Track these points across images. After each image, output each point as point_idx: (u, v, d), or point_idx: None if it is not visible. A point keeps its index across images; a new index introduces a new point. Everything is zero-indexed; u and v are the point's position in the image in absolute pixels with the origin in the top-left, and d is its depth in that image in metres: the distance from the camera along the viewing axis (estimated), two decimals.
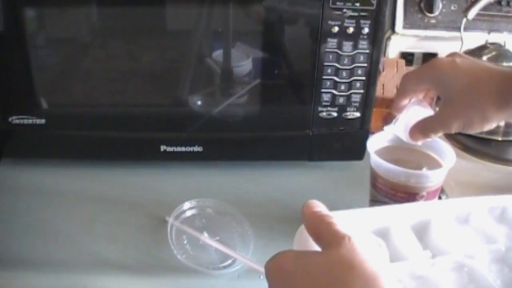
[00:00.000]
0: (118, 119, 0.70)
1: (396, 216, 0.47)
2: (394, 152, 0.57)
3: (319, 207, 0.38)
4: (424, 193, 0.53)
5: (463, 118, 0.49)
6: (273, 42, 0.66)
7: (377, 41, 0.64)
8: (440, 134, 0.53)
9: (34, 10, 0.63)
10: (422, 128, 0.53)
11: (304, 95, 0.68)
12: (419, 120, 0.53)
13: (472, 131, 0.50)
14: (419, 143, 0.54)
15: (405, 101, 0.55)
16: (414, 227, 0.47)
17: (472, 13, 0.83)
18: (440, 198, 0.66)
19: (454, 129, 0.50)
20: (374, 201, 0.56)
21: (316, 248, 0.36)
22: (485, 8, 0.84)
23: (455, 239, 0.46)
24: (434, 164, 0.56)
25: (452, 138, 0.83)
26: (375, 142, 0.57)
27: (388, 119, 0.62)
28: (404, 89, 0.55)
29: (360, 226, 0.42)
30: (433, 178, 0.54)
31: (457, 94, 0.49)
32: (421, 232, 0.46)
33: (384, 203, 0.54)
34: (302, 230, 0.39)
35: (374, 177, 0.55)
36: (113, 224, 0.62)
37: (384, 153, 0.56)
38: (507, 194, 0.51)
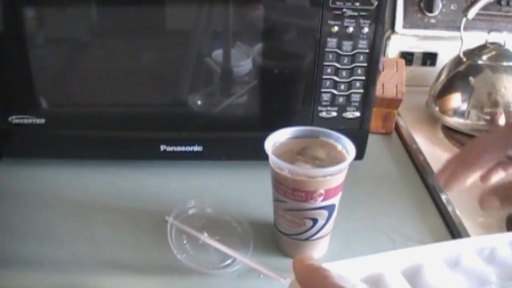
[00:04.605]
0: (118, 119, 0.70)
1: (387, 263, 0.47)
2: (299, 148, 0.56)
3: (311, 259, 0.38)
4: (322, 191, 0.52)
5: None
6: (273, 42, 0.66)
7: (377, 41, 0.64)
8: None
9: (34, 10, 0.63)
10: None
11: (304, 95, 0.68)
12: (499, 184, 0.43)
13: None
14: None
15: (474, 175, 0.46)
16: (406, 273, 0.46)
17: (472, 13, 0.83)
18: (434, 189, 0.66)
19: None
20: (277, 201, 0.55)
21: None
22: (485, 8, 0.84)
23: (447, 283, 0.45)
24: (341, 159, 0.54)
25: (452, 137, 0.83)
26: (275, 141, 0.56)
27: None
28: (477, 158, 0.45)
29: (353, 276, 0.42)
30: (328, 175, 0.52)
31: None
32: (413, 278, 0.46)
33: (283, 202, 0.54)
34: (295, 284, 0.38)
35: (273, 177, 0.55)
36: (113, 224, 0.62)
37: (289, 150, 0.55)
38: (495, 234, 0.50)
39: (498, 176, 0.46)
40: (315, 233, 0.55)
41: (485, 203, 0.43)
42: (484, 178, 0.47)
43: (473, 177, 0.46)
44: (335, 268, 0.38)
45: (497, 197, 0.42)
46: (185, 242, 0.58)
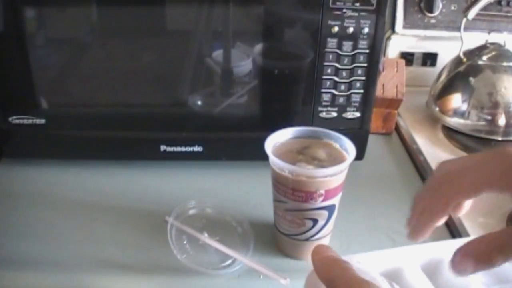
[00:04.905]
0: (118, 119, 0.70)
1: (407, 257, 0.46)
2: (300, 148, 0.56)
3: (330, 251, 0.36)
4: (322, 191, 0.52)
5: None
6: (273, 42, 0.66)
7: (377, 41, 0.64)
8: None
9: (34, 10, 0.63)
10: (487, 251, 0.34)
11: (304, 95, 0.68)
12: (475, 241, 0.35)
13: None
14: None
15: (443, 218, 0.39)
16: (426, 268, 0.46)
17: (472, 13, 0.83)
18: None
19: None
20: (277, 201, 0.55)
21: None
22: (485, 8, 0.84)
23: (467, 280, 0.44)
24: (341, 159, 0.55)
25: (452, 138, 0.83)
26: (275, 141, 0.56)
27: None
28: (445, 206, 0.38)
29: (372, 269, 0.41)
30: (329, 176, 0.52)
31: None
32: (433, 273, 0.45)
33: (283, 202, 0.54)
34: (313, 276, 0.37)
35: (273, 177, 0.55)
36: (113, 224, 0.62)
37: (289, 150, 0.56)
38: None
39: (469, 204, 0.41)
40: (315, 234, 0.55)
41: (458, 267, 0.35)
42: (456, 211, 0.41)
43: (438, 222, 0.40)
44: (354, 261, 0.38)
45: (471, 258, 0.35)
46: (185, 242, 0.58)
